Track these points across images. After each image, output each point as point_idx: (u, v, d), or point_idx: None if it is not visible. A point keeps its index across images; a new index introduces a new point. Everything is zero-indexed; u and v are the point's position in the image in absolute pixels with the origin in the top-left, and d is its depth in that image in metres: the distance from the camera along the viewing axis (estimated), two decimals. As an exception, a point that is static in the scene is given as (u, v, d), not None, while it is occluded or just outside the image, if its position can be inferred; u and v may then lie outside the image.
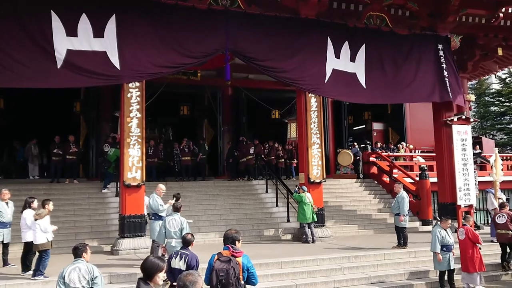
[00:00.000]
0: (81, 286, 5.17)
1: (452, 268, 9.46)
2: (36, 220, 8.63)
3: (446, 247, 9.29)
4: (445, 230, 9.40)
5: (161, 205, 9.93)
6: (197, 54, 12.38)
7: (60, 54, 10.66)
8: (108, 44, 11.13)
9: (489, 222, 16.13)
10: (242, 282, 5.20)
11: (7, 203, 9.80)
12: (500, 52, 16.94)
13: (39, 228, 8.61)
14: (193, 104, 21.75)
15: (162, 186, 10.43)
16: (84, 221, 12.91)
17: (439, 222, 9.64)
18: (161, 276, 3.94)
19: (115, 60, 11.16)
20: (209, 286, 5.11)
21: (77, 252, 5.43)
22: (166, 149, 17.97)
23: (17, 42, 10.44)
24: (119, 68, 11.20)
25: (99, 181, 15.38)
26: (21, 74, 10.44)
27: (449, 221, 9.57)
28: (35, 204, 9.08)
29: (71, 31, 10.81)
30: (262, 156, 18.22)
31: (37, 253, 8.70)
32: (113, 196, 14.13)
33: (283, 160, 18.91)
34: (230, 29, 12.47)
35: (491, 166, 14.97)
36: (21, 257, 9.10)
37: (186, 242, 6.50)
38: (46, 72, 10.65)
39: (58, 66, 10.64)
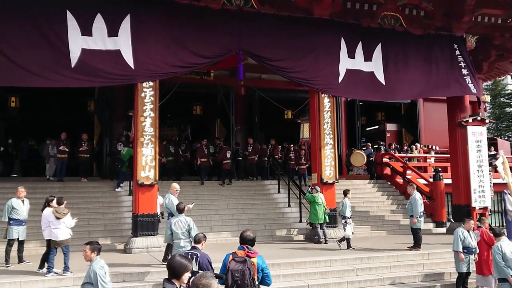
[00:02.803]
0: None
1: (470, 271, 9.34)
2: (59, 218, 8.85)
3: (467, 249, 9.15)
4: (468, 231, 9.26)
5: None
6: (211, 54, 12.41)
7: (74, 54, 10.74)
8: (122, 44, 11.20)
9: (504, 224, 15.94)
10: (257, 282, 5.19)
11: (22, 201, 9.92)
12: (516, 52, 16.73)
13: (64, 225, 8.91)
14: (206, 103, 21.79)
15: (176, 185, 10.38)
16: (97, 219, 13.01)
17: (463, 223, 9.49)
18: (187, 276, 3.94)
19: (129, 59, 11.23)
20: (223, 286, 5.09)
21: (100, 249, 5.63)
22: (180, 148, 18.00)
23: (32, 42, 10.53)
24: (133, 68, 11.27)
25: (111, 180, 15.49)
26: (36, 73, 10.53)
27: (472, 222, 9.39)
28: (55, 202, 9.19)
29: (86, 31, 10.90)
30: (275, 156, 18.16)
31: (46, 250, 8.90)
32: (126, 194, 14.21)
33: (305, 166, 18.01)
34: (243, 29, 12.48)
35: (502, 168, 14.76)
36: (43, 254, 9.18)
37: (196, 241, 6.48)
38: (61, 71, 10.74)
39: (73, 65, 10.72)
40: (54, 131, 16.53)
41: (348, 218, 12.01)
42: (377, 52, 13.80)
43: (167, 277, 3.97)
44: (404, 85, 14.23)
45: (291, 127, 20.90)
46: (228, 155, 17.03)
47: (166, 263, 4.18)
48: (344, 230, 12.05)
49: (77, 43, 10.79)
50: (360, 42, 13.66)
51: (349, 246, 11.81)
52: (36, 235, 10.89)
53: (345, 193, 12.45)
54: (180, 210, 8.78)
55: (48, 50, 10.65)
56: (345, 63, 13.43)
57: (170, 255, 9.59)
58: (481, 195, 14.52)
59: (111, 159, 16.57)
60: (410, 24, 14.50)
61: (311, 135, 14.33)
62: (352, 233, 12.03)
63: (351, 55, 13.52)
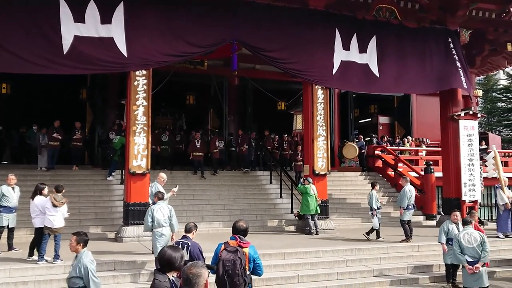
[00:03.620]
0: None
1: (456, 263, 9.36)
2: (56, 206, 8.88)
3: (451, 241, 9.20)
4: (455, 223, 9.29)
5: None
6: (205, 43, 12.34)
7: (67, 40, 10.63)
8: (115, 32, 11.09)
9: (493, 218, 16.13)
10: (248, 272, 5.20)
11: (13, 188, 9.88)
12: (509, 47, 16.76)
13: (61, 214, 8.96)
14: (199, 93, 21.71)
15: (163, 175, 10.45)
16: (88, 207, 12.98)
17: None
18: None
19: (122, 47, 11.13)
20: (215, 275, 5.10)
21: (87, 241, 5.46)
22: (175, 138, 17.88)
23: (24, 29, 10.41)
24: (126, 56, 11.18)
25: (102, 169, 15.43)
26: (28, 60, 10.43)
27: (457, 214, 9.37)
28: (46, 191, 9.18)
29: (79, 17, 10.78)
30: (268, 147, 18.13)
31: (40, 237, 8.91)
32: (118, 183, 14.18)
33: (301, 163, 17.00)
34: (238, 19, 12.40)
35: (492, 163, 14.84)
36: (31, 242, 9.17)
37: (187, 230, 6.47)
38: (53, 58, 10.64)
39: (65, 52, 10.62)
40: (45, 119, 16.42)
41: (376, 209, 12.09)
42: (372, 45, 13.76)
43: (157, 267, 3.95)
44: (398, 78, 14.21)
45: (284, 118, 20.91)
46: (217, 144, 16.97)
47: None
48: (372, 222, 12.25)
49: (69, 30, 10.68)
50: (355, 34, 13.61)
51: (378, 237, 11.99)
52: (26, 222, 10.82)
53: (373, 185, 12.61)
54: (160, 197, 8.76)
55: (41, 37, 10.54)
56: (340, 55, 13.40)
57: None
58: (471, 189, 14.64)
59: (102, 148, 16.48)
60: (405, 17, 14.48)
61: (304, 126, 14.33)
62: (379, 224, 12.11)
63: (346, 47, 13.48)
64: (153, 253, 8.76)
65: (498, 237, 12.77)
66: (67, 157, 15.86)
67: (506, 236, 12.86)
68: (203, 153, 16.37)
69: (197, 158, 16.23)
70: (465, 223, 8.17)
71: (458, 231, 9.17)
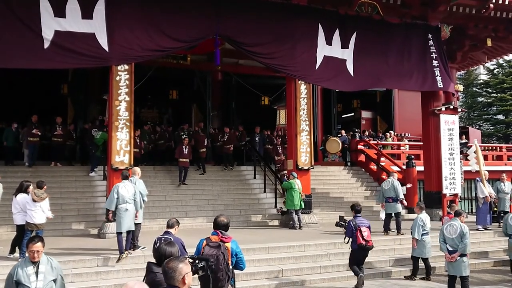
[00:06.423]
0: None
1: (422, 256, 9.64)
2: (36, 201, 8.81)
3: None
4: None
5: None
6: (187, 38, 12.28)
7: (47, 35, 10.50)
8: (97, 26, 10.97)
9: (474, 211, 16.39)
10: (231, 267, 5.22)
11: (-5, 185, 9.74)
12: (489, 43, 17.00)
13: (41, 210, 8.88)
14: (182, 88, 21.59)
15: (137, 169, 10.36)
16: (71, 204, 12.85)
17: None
18: None
19: (103, 42, 11.02)
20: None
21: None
22: (155, 133, 17.71)
23: (4, 22, 10.24)
24: (107, 50, 11.07)
25: (86, 165, 15.26)
26: (8, 54, 10.28)
27: (420, 206, 9.92)
28: (31, 188, 9.09)
29: (59, 12, 10.63)
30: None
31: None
32: (101, 179, 14.05)
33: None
34: (221, 13, 12.36)
35: (474, 157, 15.08)
36: (12, 239, 9.06)
37: (169, 225, 6.48)
38: (33, 52, 10.50)
39: (45, 47, 10.48)
40: (25, 114, 16.14)
41: (382, 203, 12.41)
42: (353, 40, 13.83)
43: (152, 261, 3.96)
44: (377, 74, 14.25)
45: (268, 113, 20.94)
46: (205, 143, 16.84)
47: (153, 251, 4.14)
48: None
49: (50, 25, 10.53)
50: (337, 30, 13.66)
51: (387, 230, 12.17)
52: (7, 220, 10.70)
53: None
54: (125, 177, 9.36)
55: (21, 31, 10.38)
56: (323, 50, 13.44)
57: (136, 240, 9.57)
58: (451, 182, 14.86)
59: (81, 144, 16.28)
60: (387, 12, 14.57)
61: (288, 121, 14.37)
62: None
63: (329, 42, 13.53)
64: (119, 231, 8.89)
65: (477, 229, 12.99)
66: (47, 153, 15.61)
67: (486, 229, 13.11)
68: (189, 159, 15.51)
69: (184, 164, 15.22)
70: (456, 214, 8.54)
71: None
